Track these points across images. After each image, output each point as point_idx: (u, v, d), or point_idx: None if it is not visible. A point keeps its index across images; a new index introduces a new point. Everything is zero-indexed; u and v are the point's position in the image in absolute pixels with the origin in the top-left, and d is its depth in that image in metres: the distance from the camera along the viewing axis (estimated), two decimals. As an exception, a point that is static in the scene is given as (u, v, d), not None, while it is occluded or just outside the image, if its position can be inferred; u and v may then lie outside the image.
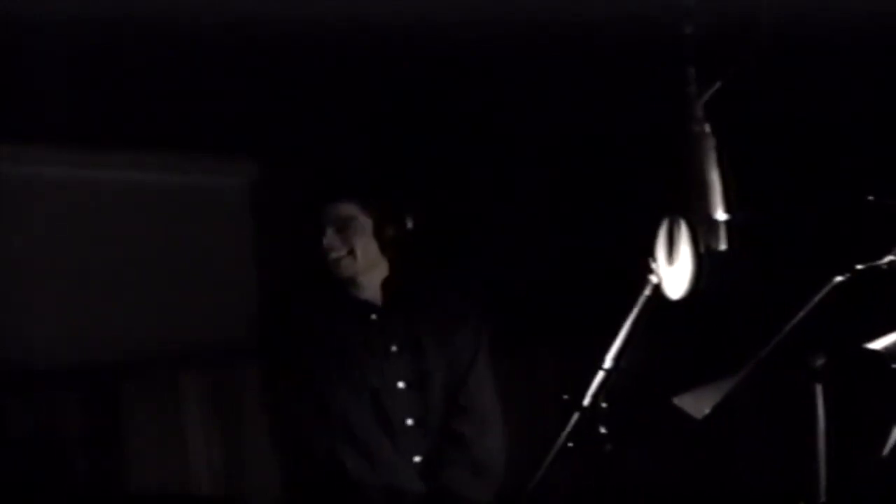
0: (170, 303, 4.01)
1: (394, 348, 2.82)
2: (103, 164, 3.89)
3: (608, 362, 2.29)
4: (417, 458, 2.78)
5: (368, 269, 2.83)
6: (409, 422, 2.78)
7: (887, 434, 2.23)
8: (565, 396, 2.36)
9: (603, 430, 2.29)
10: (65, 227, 3.82)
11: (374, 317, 2.84)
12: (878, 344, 2.19)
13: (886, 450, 2.20)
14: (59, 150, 3.76)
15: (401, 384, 2.80)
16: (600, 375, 2.29)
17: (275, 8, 3.09)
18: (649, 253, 2.27)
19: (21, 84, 3.48)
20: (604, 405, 2.30)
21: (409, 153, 4.00)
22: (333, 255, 2.78)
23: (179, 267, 4.06)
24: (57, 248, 3.80)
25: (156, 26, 3.23)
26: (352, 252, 2.78)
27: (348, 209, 2.79)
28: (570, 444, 2.28)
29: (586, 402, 2.29)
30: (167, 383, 3.97)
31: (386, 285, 2.86)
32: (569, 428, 2.28)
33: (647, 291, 2.29)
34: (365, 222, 2.80)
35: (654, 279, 2.28)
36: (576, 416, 2.29)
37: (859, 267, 2.12)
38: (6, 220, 3.69)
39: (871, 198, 2.29)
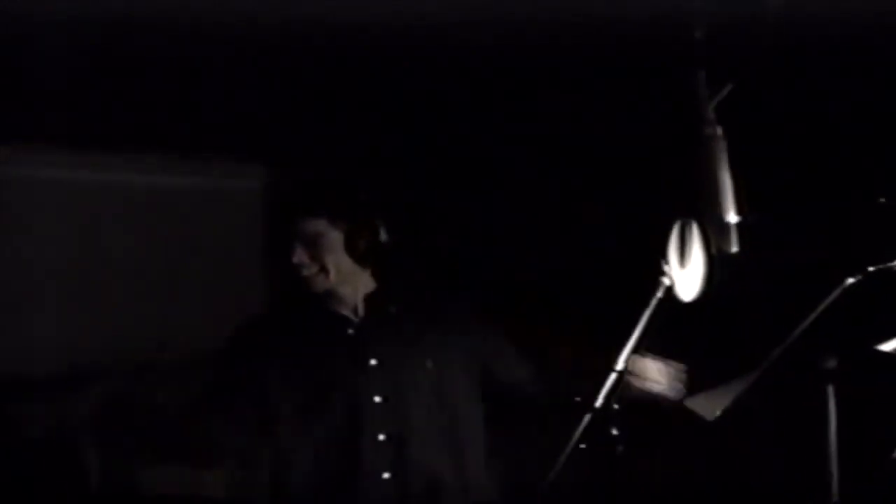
0: (180, 306, 4.03)
1: (373, 362, 2.75)
2: (114, 167, 3.91)
3: (620, 364, 2.31)
4: (386, 475, 2.70)
5: (344, 283, 2.75)
6: (381, 437, 2.71)
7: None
8: (577, 398, 2.37)
9: (615, 432, 2.31)
10: (75, 231, 3.84)
11: (350, 331, 2.78)
12: (889, 345, 2.20)
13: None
14: (69, 153, 3.77)
15: (377, 398, 2.73)
16: (612, 377, 2.30)
17: (290, 11, 3.10)
18: (661, 255, 2.28)
19: (35, 86, 3.50)
20: (616, 406, 2.31)
21: (418, 157, 4.01)
22: (305, 272, 2.71)
23: (190, 270, 4.07)
24: (67, 251, 3.81)
25: (169, 29, 3.23)
26: (323, 268, 2.72)
27: (316, 225, 2.72)
28: (583, 446, 2.29)
29: (598, 403, 2.30)
30: (176, 385, 3.98)
31: (370, 298, 2.81)
32: (581, 429, 2.29)
33: (660, 293, 2.30)
34: (335, 237, 2.72)
35: (666, 281, 2.29)
36: (588, 417, 2.30)
37: (871, 269, 2.12)
38: (18, 222, 3.70)
39: (882, 200, 2.30)
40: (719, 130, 2.18)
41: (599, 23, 3.07)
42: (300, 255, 2.71)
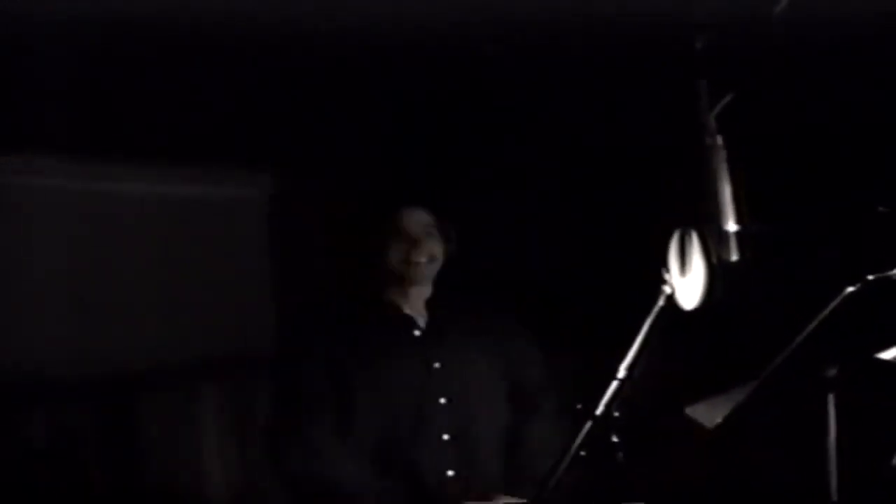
0: (187, 314, 4.03)
1: (436, 365, 2.83)
2: (121, 175, 3.90)
3: (622, 372, 2.32)
4: (451, 473, 2.78)
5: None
6: (446, 437, 2.79)
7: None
8: (578, 405, 2.39)
9: (615, 439, 2.32)
10: (83, 239, 3.84)
11: (417, 333, 2.85)
12: (890, 353, 2.20)
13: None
14: (76, 161, 3.77)
15: (442, 400, 2.81)
16: (614, 385, 2.32)
17: (296, 21, 3.11)
18: (662, 264, 2.29)
19: (37, 95, 3.51)
20: (616, 414, 2.32)
21: (422, 162, 4.02)
22: (417, 259, 2.79)
23: (197, 278, 4.08)
24: (75, 259, 3.81)
25: (173, 37, 3.25)
26: (432, 258, 2.80)
27: (424, 216, 2.81)
28: (583, 453, 2.31)
29: (599, 411, 2.31)
30: (185, 394, 3.99)
31: (431, 302, 2.88)
32: (581, 436, 2.31)
33: (661, 302, 2.31)
34: (438, 229, 2.83)
35: (667, 290, 2.30)
36: (588, 424, 2.31)
37: (871, 277, 2.13)
38: (28, 231, 3.71)
39: (882, 209, 2.30)
40: (720, 140, 2.19)
41: (600, 31, 3.08)
42: (412, 244, 2.76)
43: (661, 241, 2.28)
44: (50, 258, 3.74)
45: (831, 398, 2.19)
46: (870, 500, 2.26)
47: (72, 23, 3.05)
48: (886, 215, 2.28)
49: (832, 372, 2.19)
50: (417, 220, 2.81)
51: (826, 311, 2.11)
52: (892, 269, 2.14)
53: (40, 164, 3.69)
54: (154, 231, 3.99)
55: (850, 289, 2.11)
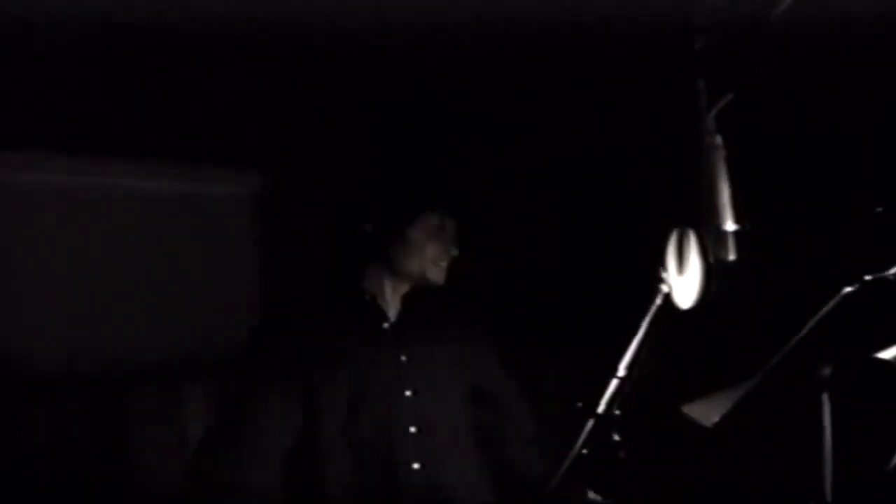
0: (174, 312, 4.03)
1: (403, 358, 2.84)
2: (107, 172, 3.91)
3: (621, 370, 2.33)
4: (416, 465, 2.79)
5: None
6: (413, 429, 2.80)
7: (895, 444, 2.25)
8: (579, 404, 2.40)
9: (616, 437, 2.33)
10: (69, 236, 3.84)
11: (385, 325, 2.86)
12: (887, 353, 2.21)
13: (894, 461, 2.22)
14: (64, 157, 3.77)
15: (408, 392, 2.82)
16: (614, 383, 2.33)
17: (287, 18, 3.12)
18: (660, 263, 2.30)
19: (25, 91, 3.50)
20: (617, 412, 2.33)
21: (411, 161, 4.03)
22: (445, 262, 2.83)
23: (184, 276, 4.08)
24: (61, 256, 3.81)
25: (160, 34, 3.25)
26: (453, 260, 2.84)
27: (453, 222, 2.85)
28: (585, 451, 2.32)
29: (600, 409, 2.33)
30: (172, 393, 3.99)
31: (407, 297, 2.89)
32: (584, 435, 2.32)
33: (658, 301, 2.33)
34: (454, 230, 2.86)
35: (664, 289, 2.31)
36: (590, 423, 2.32)
37: (868, 277, 2.13)
38: (12, 228, 3.71)
39: (880, 209, 2.31)
40: (718, 139, 2.20)
41: (599, 31, 3.09)
42: (445, 245, 2.81)
43: (659, 240, 2.30)
44: (36, 256, 3.74)
45: (826, 398, 2.19)
46: (865, 500, 2.27)
47: (57, 17, 3.05)
48: (884, 215, 2.29)
49: (827, 371, 2.20)
50: (453, 224, 2.85)
51: (824, 311, 2.12)
52: (889, 269, 2.15)
53: (26, 160, 3.68)
54: (142, 229, 4.00)
55: (848, 289, 2.11)
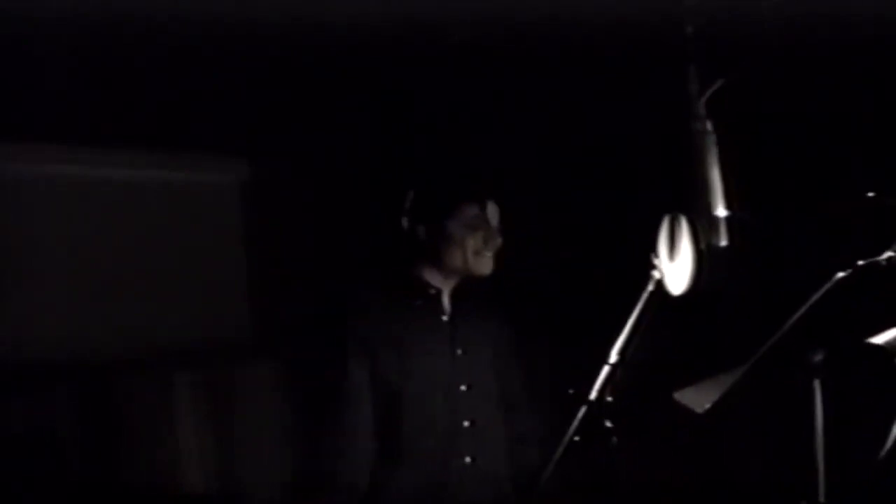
0: (162, 301, 4.02)
1: (459, 352, 2.86)
2: (94, 161, 3.89)
3: (613, 357, 2.33)
4: (468, 459, 2.82)
5: None
6: (466, 423, 2.82)
7: (888, 430, 2.25)
8: (571, 391, 2.39)
9: (609, 424, 2.33)
10: (56, 225, 3.82)
11: (444, 318, 2.87)
12: (880, 339, 2.20)
13: (887, 447, 2.22)
14: (50, 147, 3.75)
15: (462, 387, 2.84)
16: (606, 370, 2.32)
17: (275, 8, 3.11)
18: (652, 249, 2.30)
19: (11, 82, 3.49)
20: (609, 399, 2.33)
21: (399, 151, 4.02)
22: (488, 252, 2.82)
23: (171, 264, 4.07)
24: (48, 245, 3.80)
25: (147, 24, 3.23)
26: (495, 252, 2.84)
27: (496, 210, 2.85)
28: (577, 438, 2.32)
29: (593, 396, 2.32)
30: (160, 381, 3.99)
31: (455, 291, 2.89)
32: (576, 422, 2.32)
33: (650, 287, 2.32)
34: (496, 218, 2.86)
35: (656, 275, 2.31)
36: (583, 409, 2.32)
37: (860, 263, 2.13)
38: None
39: (871, 194, 2.30)
40: (709, 125, 2.19)
41: (590, 17, 3.08)
42: (490, 235, 2.81)
43: (651, 226, 2.29)
44: (23, 245, 3.72)
45: (817, 383, 2.19)
46: (859, 489, 2.27)
47: (39, 8, 3.04)
48: (876, 201, 2.28)
49: (819, 357, 2.19)
50: (494, 213, 2.85)
51: (816, 297, 2.11)
52: (881, 254, 2.14)
53: (12, 150, 3.67)
54: (130, 217, 3.98)
55: (840, 274, 2.11)
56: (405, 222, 2.83)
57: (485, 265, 2.83)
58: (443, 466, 2.80)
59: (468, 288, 2.90)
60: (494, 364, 2.92)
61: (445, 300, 2.89)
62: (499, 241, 2.84)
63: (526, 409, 3.00)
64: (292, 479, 3.02)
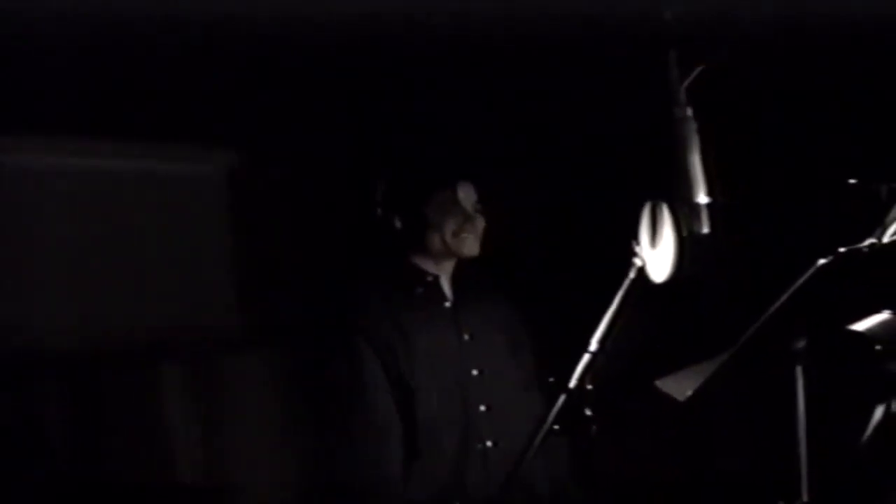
0: (148, 291, 4.00)
1: (466, 337, 2.85)
2: (80, 152, 3.86)
3: (593, 345, 2.31)
4: (489, 444, 2.81)
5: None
6: (482, 408, 2.82)
7: (869, 416, 2.25)
8: (551, 379, 2.39)
9: (588, 413, 2.32)
10: (41, 216, 3.79)
11: (447, 304, 2.87)
12: (861, 325, 2.21)
13: (867, 433, 2.22)
14: (36, 139, 3.73)
15: (474, 371, 2.83)
16: (586, 358, 2.31)
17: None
18: (633, 236, 2.29)
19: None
20: (589, 387, 2.32)
21: (389, 141, 4.00)
22: (468, 234, 2.81)
23: (158, 254, 4.05)
24: (35, 237, 3.77)
25: (134, 13, 3.21)
26: (478, 234, 2.84)
27: (472, 191, 2.85)
28: (556, 427, 2.31)
29: (572, 384, 2.31)
30: (147, 372, 3.96)
31: (455, 276, 2.90)
32: (555, 410, 2.30)
33: (631, 275, 2.31)
34: (480, 205, 2.86)
35: (637, 262, 2.30)
36: (562, 398, 2.31)
37: (842, 250, 2.12)
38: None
39: (852, 181, 2.30)
40: (690, 112, 2.18)
41: (570, 5, 3.07)
42: (468, 219, 2.81)
43: (632, 214, 2.28)
44: (8, 236, 3.70)
45: (799, 370, 2.19)
46: (839, 473, 2.27)
47: (26, 2, 3.02)
48: (857, 188, 2.28)
49: (801, 344, 2.19)
50: (468, 194, 2.84)
51: (798, 284, 2.11)
52: (863, 241, 2.14)
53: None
54: (117, 208, 3.95)
55: (822, 261, 2.10)
56: (379, 212, 2.82)
57: (468, 246, 2.83)
58: (462, 453, 2.79)
59: (468, 273, 2.90)
60: (508, 348, 2.90)
61: (446, 286, 2.89)
62: (479, 221, 2.83)
63: (537, 393, 2.98)
64: (309, 476, 3.00)
